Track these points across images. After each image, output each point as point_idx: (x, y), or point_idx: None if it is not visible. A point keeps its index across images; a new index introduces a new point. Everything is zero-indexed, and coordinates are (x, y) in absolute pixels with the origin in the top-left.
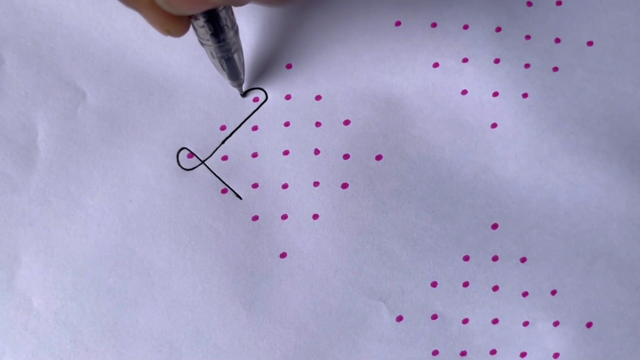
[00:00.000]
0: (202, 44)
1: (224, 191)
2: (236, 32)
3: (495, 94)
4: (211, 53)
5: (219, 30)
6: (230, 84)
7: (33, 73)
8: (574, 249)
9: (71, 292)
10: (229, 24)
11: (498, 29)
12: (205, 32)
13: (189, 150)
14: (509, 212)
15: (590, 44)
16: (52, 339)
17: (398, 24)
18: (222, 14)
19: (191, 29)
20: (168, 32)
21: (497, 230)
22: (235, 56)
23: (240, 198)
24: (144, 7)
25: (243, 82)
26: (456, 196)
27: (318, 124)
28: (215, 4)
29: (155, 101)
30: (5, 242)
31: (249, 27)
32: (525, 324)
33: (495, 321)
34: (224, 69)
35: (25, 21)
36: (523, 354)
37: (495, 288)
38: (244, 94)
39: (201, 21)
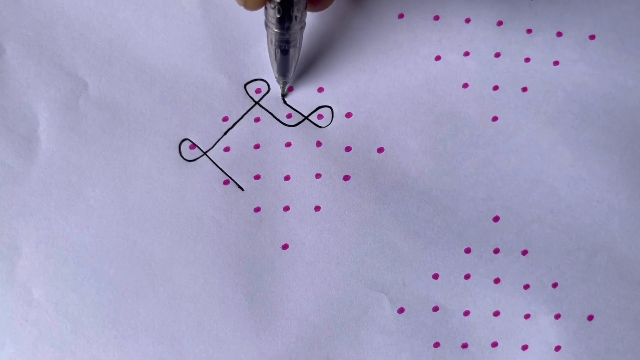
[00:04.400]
0: (266, 26)
1: (226, 182)
2: (302, 28)
3: (496, 88)
4: (271, 39)
5: (286, 16)
6: (275, 79)
7: (34, 63)
8: (575, 243)
9: (72, 283)
10: (298, 16)
11: (499, 23)
12: (274, 14)
13: (191, 141)
14: (511, 205)
15: (592, 37)
16: (52, 330)
17: (401, 16)
18: (296, 3)
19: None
20: (245, 2)
21: (498, 223)
22: (292, 51)
23: (242, 189)
24: None
25: (289, 82)
26: (458, 189)
27: (320, 116)
28: None
29: (157, 92)
30: (6, 233)
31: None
32: (527, 316)
33: (496, 314)
34: (275, 60)
35: (26, 11)
36: (524, 347)
37: (497, 280)
38: (284, 94)
39: (274, 2)
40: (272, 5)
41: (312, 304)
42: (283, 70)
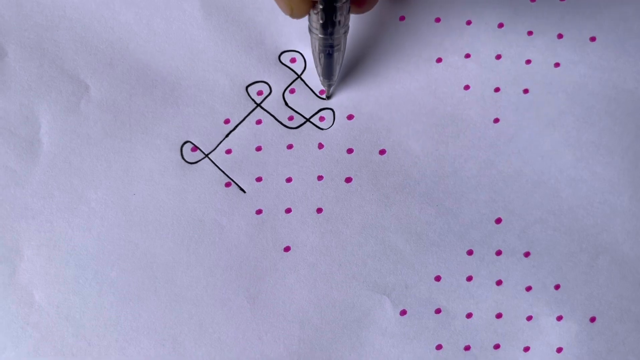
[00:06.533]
0: (310, 31)
1: (227, 185)
2: (345, 32)
3: (497, 90)
4: (316, 44)
5: (329, 22)
6: (320, 81)
7: (36, 66)
8: (578, 244)
9: (73, 285)
10: (342, 21)
11: (500, 25)
12: (317, 19)
13: (192, 143)
14: (513, 207)
15: (593, 39)
16: (54, 333)
17: (402, 19)
18: (339, 8)
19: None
20: (292, 10)
21: (500, 224)
22: (336, 55)
23: (244, 192)
24: None
25: (334, 84)
26: (460, 191)
27: (322, 119)
28: None
29: (159, 94)
30: (8, 236)
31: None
32: (529, 318)
33: (498, 316)
34: (320, 64)
35: (28, 14)
36: (526, 349)
37: (499, 282)
38: (329, 96)
39: (318, 8)
40: (316, 12)
41: (314, 306)
42: (328, 74)
